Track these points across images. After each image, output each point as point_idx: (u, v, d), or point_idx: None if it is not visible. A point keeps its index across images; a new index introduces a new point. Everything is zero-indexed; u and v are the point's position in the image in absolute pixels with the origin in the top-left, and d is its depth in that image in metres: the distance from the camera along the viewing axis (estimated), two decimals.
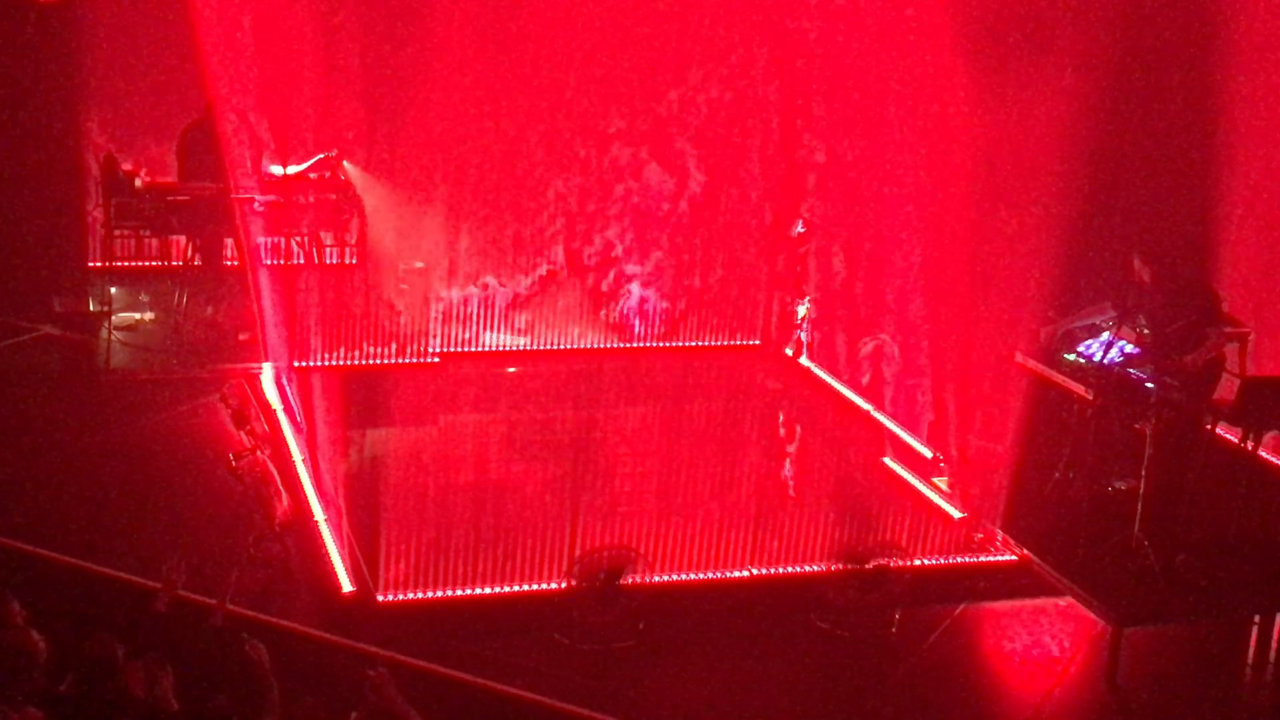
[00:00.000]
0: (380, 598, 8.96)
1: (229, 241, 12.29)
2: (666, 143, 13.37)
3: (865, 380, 12.54)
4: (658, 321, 13.44)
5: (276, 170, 12.44)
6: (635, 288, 13.40)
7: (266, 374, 11.73)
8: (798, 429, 12.57)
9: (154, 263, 12.67)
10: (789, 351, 13.08)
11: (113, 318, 12.18)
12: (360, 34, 12.71)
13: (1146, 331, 10.30)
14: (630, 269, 13.41)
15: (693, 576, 9.58)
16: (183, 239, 12.35)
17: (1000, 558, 10.16)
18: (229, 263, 12.42)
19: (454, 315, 12.79)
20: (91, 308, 12.17)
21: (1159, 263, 10.38)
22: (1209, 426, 10.30)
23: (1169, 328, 10.07)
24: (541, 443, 11.54)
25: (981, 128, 12.15)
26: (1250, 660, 9.62)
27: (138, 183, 12.13)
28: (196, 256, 12.35)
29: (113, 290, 12.29)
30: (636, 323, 13.38)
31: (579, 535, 9.55)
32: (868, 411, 12.22)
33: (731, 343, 13.74)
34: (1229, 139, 12.35)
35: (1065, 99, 12.11)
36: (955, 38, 12.09)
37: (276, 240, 12.43)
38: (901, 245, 12.55)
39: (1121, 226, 12.57)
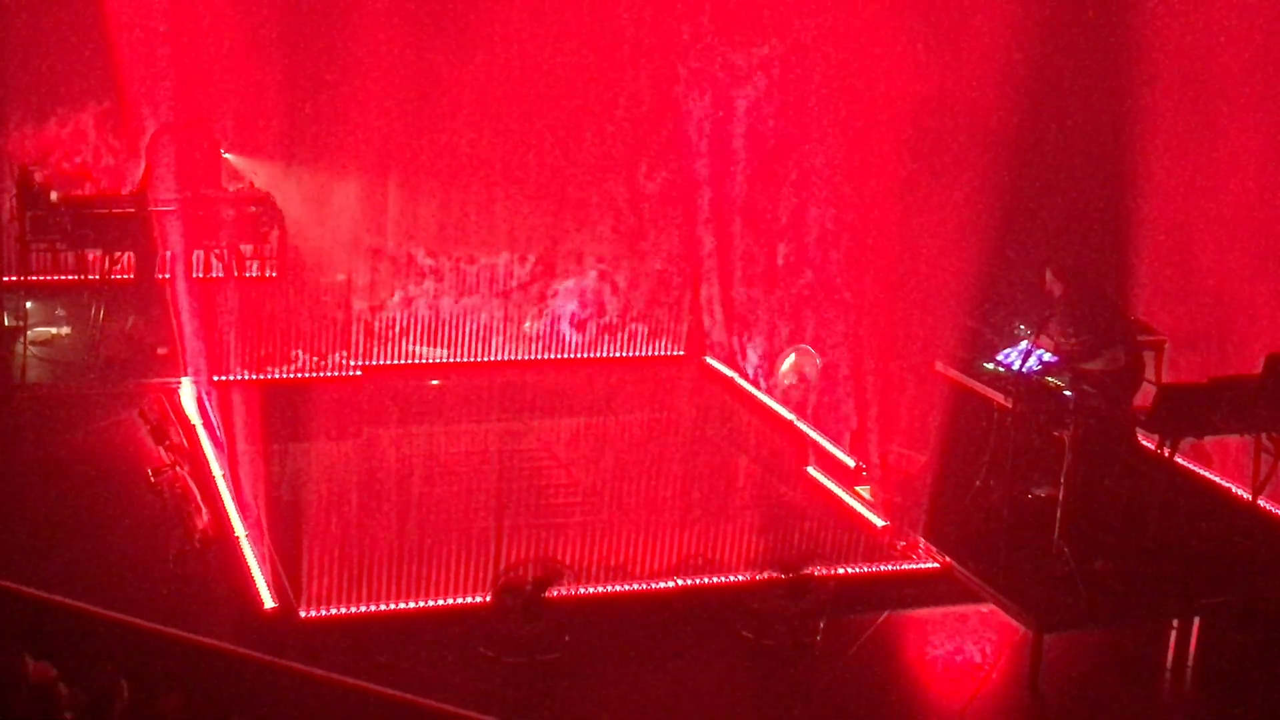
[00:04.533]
0: (303, 613, 8.88)
1: (166, 255, 12.17)
2: (593, 149, 13.42)
3: (785, 389, 12.59)
4: (582, 332, 13.43)
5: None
6: (561, 298, 13.39)
7: (186, 389, 11.60)
8: (721, 439, 12.58)
9: (70, 276, 12.51)
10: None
11: (28, 332, 12.00)
12: (285, 33, 12.62)
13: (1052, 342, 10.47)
14: (555, 281, 13.41)
15: (619, 588, 9.58)
16: (99, 252, 12.20)
17: (922, 565, 10.22)
18: (161, 276, 12.28)
19: (376, 328, 12.73)
20: (6, 322, 11.97)
21: (1071, 278, 10.53)
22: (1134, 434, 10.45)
23: (1072, 341, 10.27)
24: (465, 455, 11.50)
25: (908, 131, 12.26)
26: (1169, 664, 9.74)
27: (53, 196, 11.99)
28: (116, 270, 12.20)
29: (28, 305, 12.13)
30: (567, 331, 13.35)
31: (504, 548, 9.53)
32: (790, 421, 12.26)
33: (655, 354, 13.76)
34: (1143, 149, 12.50)
35: (982, 115, 12.24)
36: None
37: (196, 253, 12.31)
38: (822, 255, 12.62)
39: (1040, 236, 12.70)
